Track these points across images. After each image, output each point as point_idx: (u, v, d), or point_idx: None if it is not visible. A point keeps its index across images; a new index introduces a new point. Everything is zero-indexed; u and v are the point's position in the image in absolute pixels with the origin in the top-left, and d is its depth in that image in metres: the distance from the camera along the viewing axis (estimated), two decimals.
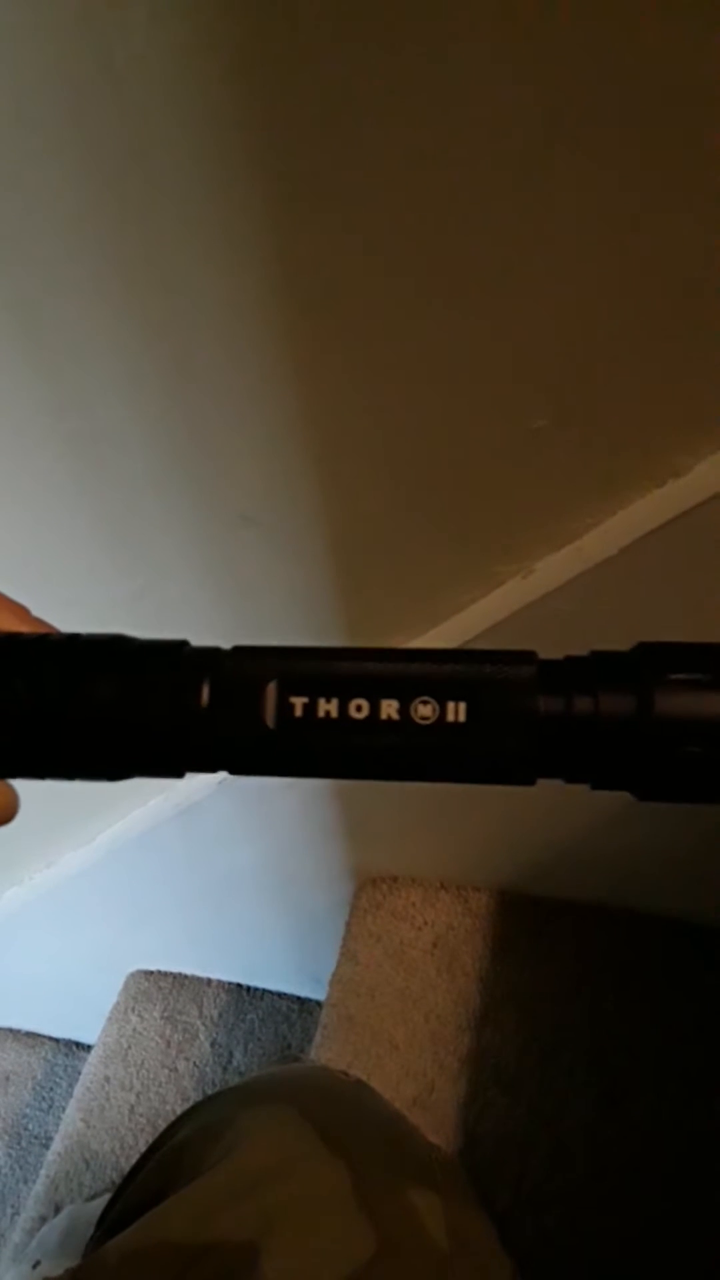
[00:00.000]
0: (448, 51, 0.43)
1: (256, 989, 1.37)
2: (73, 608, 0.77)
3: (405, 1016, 0.92)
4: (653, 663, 0.24)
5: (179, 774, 0.25)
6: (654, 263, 0.50)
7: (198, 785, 0.88)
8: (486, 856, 0.99)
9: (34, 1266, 0.98)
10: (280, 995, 1.36)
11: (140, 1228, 0.46)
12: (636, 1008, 0.89)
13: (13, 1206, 1.41)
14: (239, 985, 1.37)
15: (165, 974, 1.38)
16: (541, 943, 0.96)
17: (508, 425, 0.58)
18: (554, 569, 0.65)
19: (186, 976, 1.38)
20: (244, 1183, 0.46)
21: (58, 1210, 1.17)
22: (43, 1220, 1.16)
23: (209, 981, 1.38)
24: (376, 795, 0.88)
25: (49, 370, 0.57)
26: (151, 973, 1.38)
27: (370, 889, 1.03)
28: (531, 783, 0.24)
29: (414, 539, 0.68)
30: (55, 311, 0.54)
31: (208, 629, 0.76)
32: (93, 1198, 1.14)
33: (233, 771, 0.25)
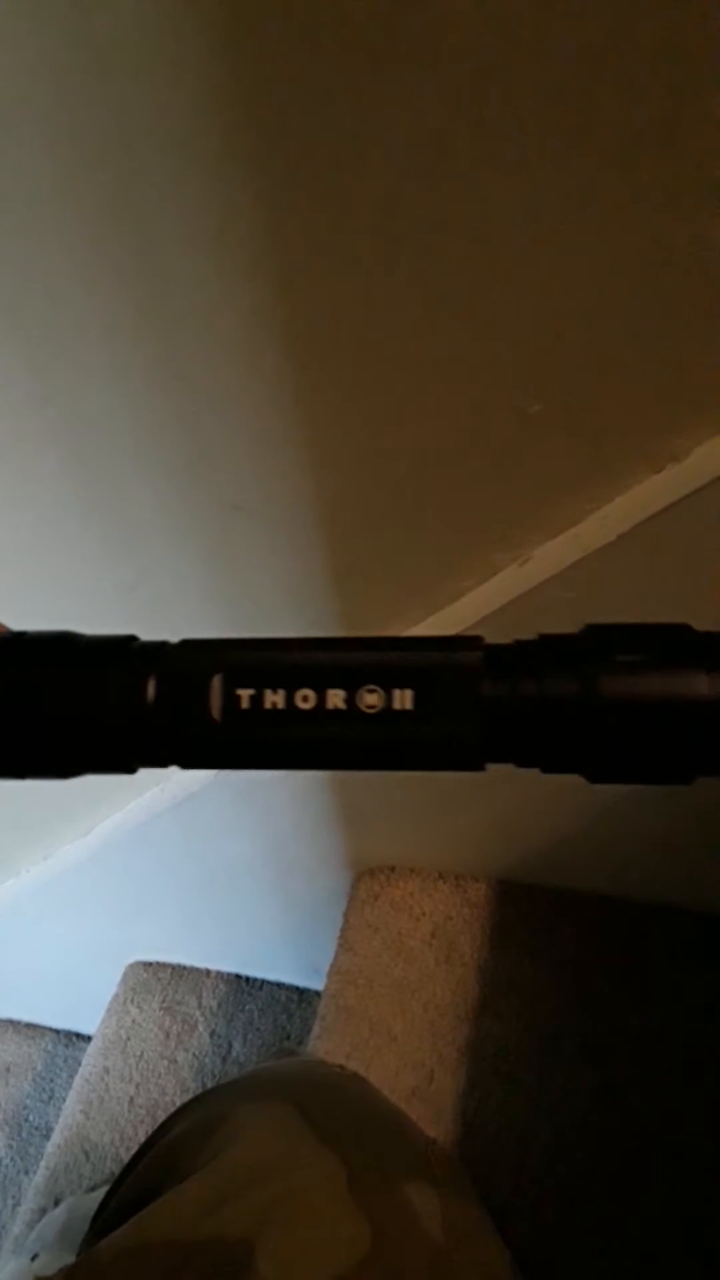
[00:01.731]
0: (438, 47, 0.42)
1: (255, 979, 1.37)
2: (66, 599, 0.76)
3: (404, 1007, 0.92)
4: (598, 644, 0.23)
5: (130, 770, 0.25)
6: (649, 248, 0.50)
7: (194, 776, 0.87)
8: (484, 846, 0.99)
9: (32, 1258, 0.98)
10: (279, 985, 1.36)
11: (134, 1225, 0.46)
12: (635, 997, 0.89)
13: (14, 1198, 1.42)
14: (238, 976, 1.37)
15: (164, 965, 1.38)
16: (540, 932, 0.95)
17: (502, 411, 0.58)
18: (551, 556, 0.64)
19: (185, 967, 1.38)
20: (237, 1180, 0.46)
21: (57, 1202, 1.17)
22: (42, 1212, 1.16)
23: (208, 972, 1.38)
24: (374, 785, 0.87)
25: (36, 359, 0.57)
26: (150, 964, 1.38)
27: (368, 879, 1.02)
28: (480, 768, 0.24)
29: (409, 527, 0.67)
30: (40, 301, 0.54)
31: (202, 618, 0.75)
32: (92, 1189, 1.14)
33: (183, 766, 0.25)
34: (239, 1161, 0.47)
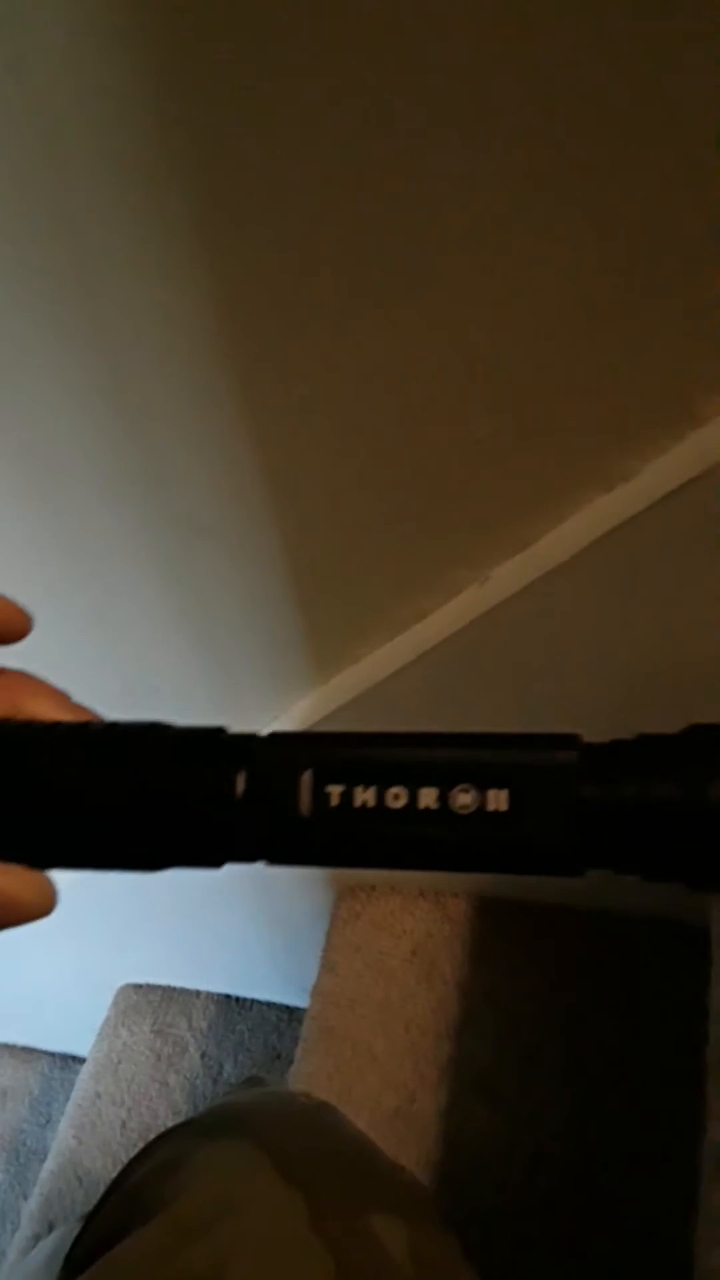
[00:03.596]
0: (381, 55, 0.42)
1: (245, 1000, 1.37)
2: (34, 626, 0.76)
3: (385, 1027, 0.92)
4: (703, 745, 0.22)
5: (218, 865, 0.25)
6: (596, 272, 0.50)
7: None
8: None
9: None
10: (269, 1005, 1.36)
11: (100, 1269, 0.46)
12: (615, 1010, 0.89)
13: (12, 1223, 1.41)
14: (228, 996, 1.37)
15: (154, 987, 1.38)
16: (519, 947, 0.95)
17: (455, 433, 0.58)
18: (510, 575, 0.64)
19: (176, 989, 1.37)
20: (199, 1220, 0.46)
21: (52, 1227, 1.16)
22: (36, 1238, 1.16)
23: (198, 993, 1.38)
24: None
25: None
26: (141, 986, 1.38)
27: (349, 898, 1.02)
28: (579, 873, 0.23)
29: (371, 547, 0.67)
30: None
31: (168, 644, 0.75)
32: (85, 1217, 1.13)
33: (270, 862, 0.24)
34: (200, 1202, 0.47)
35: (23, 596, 0.72)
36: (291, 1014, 1.34)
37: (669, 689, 0.64)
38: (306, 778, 0.23)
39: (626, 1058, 0.85)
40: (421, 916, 0.99)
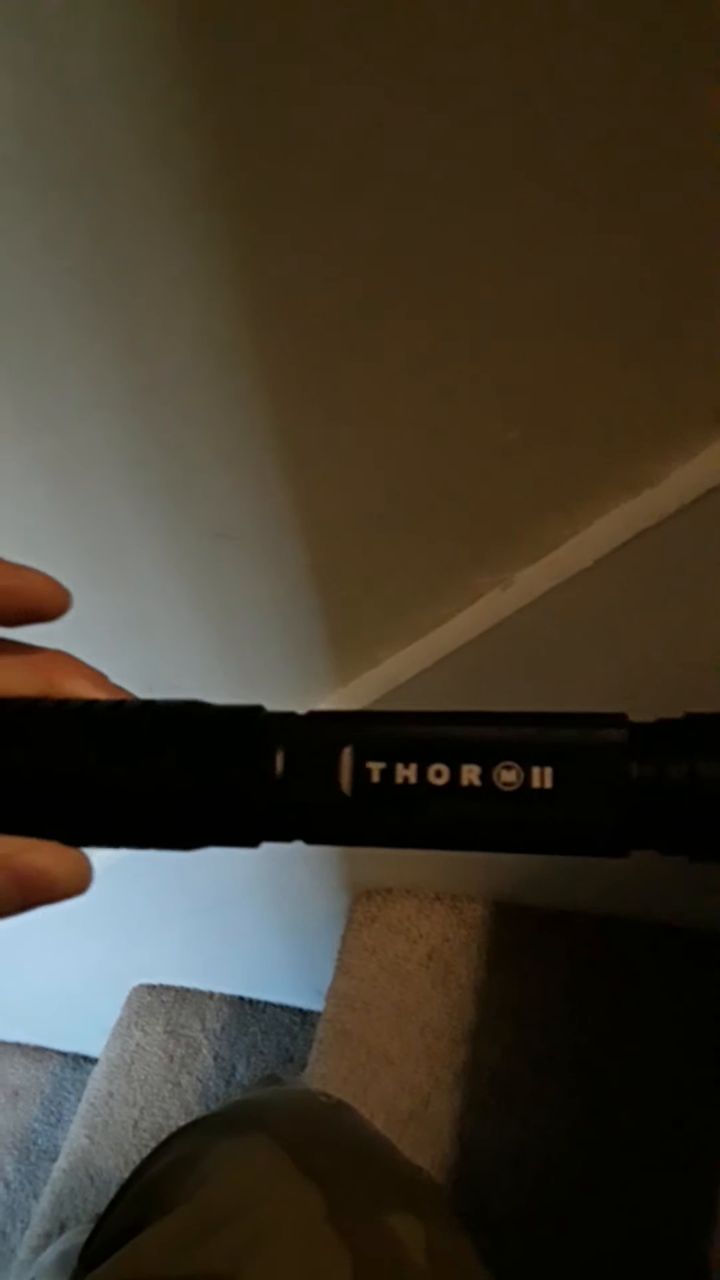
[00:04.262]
0: (411, 63, 0.43)
1: (259, 1001, 1.37)
2: (56, 625, 0.77)
3: (400, 1030, 0.92)
4: None
5: (254, 844, 0.25)
6: (624, 276, 0.50)
7: None
8: (480, 867, 0.99)
9: None
10: (282, 1008, 1.36)
11: (116, 1262, 0.46)
12: (630, 1016, 0.88)
13: (21, 1221, 1.41)
14: (241, 998, 1.37)
15: (168, 988, 1.38)
16: (535, 952, 0.95)
17: (480, 438, 0.58)
18: (532, 580, 0.65)
19: (189, 990, 1.38)
20: (217, 1215, 0.46)
21: (63, 1227, 1.17)
22: (47, 1237, 1.16)
23: (211, 995, 1.38)
24: None
25: (18, 389, 0.57)
26: (154, 987, 1.38)
27: (365, 901, 1.02)
28: (624, 854, 0.22)
29: (393, 552, 0.67)
30: (21, 331, 0.54)
31: (190, 645, 0.76)
32: (97, 1217, 1.13)
33: (308, 841, 0.24)
34: (219, 1196, 0.47)
35: None
36: (305, 1017, 1.34)
37: (693, 695, 0.64)
38: (347, 754, 0.23)
39: (641, 1066, 0.85)
40: (438, 920, 0.99)
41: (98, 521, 0.66)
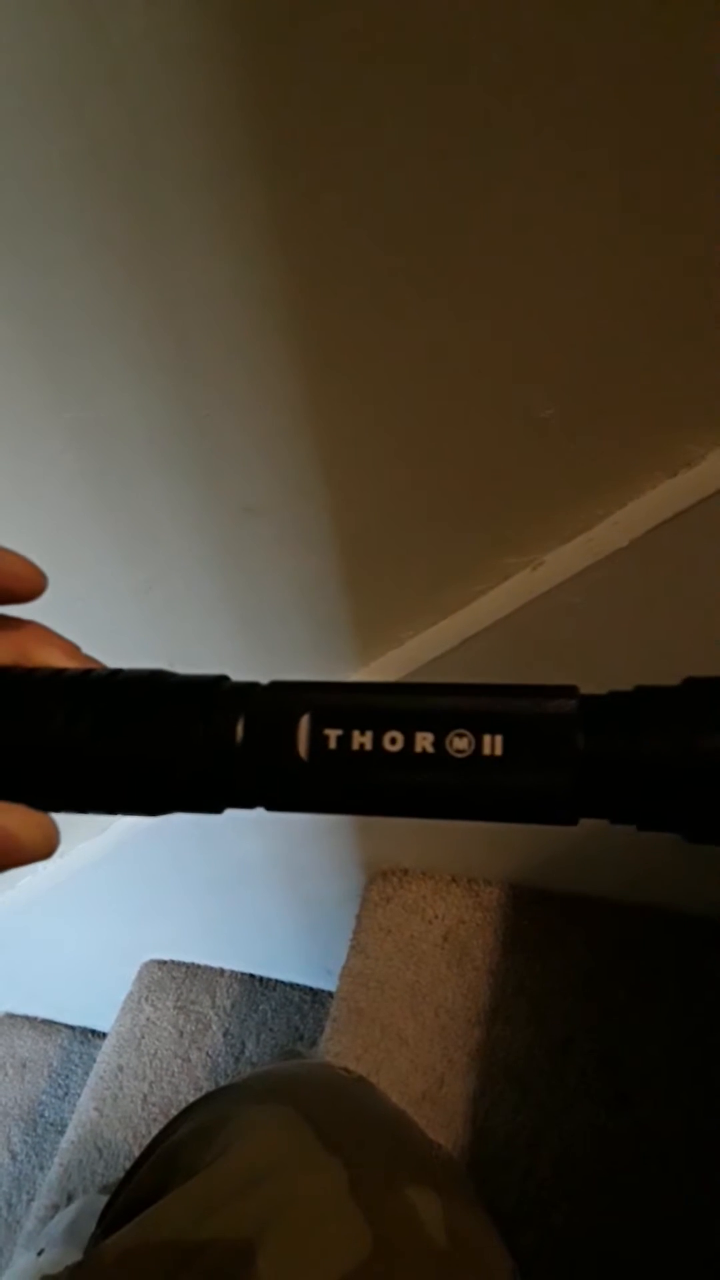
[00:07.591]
0: (454, 46, 0.42)
1: (269, 979, 1.37)
2: (82, 601, 0.77)
3: (415, 1010, 0.92)
4: (699, 699, 0.22)
5: (218, 810, 0.25)
6: (662, 252, 0.49)
7: None
8: (497, 849, 0.99)
9: (39, 1254, 0.99)
10: (293, 986, 1.36)
11: (136, 1226, 0.46)
12: (647, 1003, 0.88)
13: (28, 1193, 1.42)
14: (252, 976, 1.38)
15: (178, 964, 1.38)
16: (552, 937, 0.95)
17: (514, 415, 0.57)
18: (563, 561, 0.64)
19: (200, 966, 1.38)
20: (239, 1182, 0.46)
21: (70, 1198, 1.17)
22: (55, 1208, 1.17)
23: (222, 972, 1.38)
24: None
25: (51, 361, 0.57)
26: (165, 962, 1.39)
27: (381, 882, 1.02)
28: (573, 822, 0.23)
29: (421, 531, 0.67)
30: (56, 302, 0.54)
31: (215, 621, 0.76)
32: (105, 1187, 1.14)
33: (269, 807, 0.25)
34: (241, 1164, 0.47)
35: (74, 566, 0.73)
36: (315, 996, 1.34)
37: None
38: (304, 722, 0.24)
39: (658, 1053, 0.85)
40: (454, 902, 0.99)
41: (126, 492, 0.66)
